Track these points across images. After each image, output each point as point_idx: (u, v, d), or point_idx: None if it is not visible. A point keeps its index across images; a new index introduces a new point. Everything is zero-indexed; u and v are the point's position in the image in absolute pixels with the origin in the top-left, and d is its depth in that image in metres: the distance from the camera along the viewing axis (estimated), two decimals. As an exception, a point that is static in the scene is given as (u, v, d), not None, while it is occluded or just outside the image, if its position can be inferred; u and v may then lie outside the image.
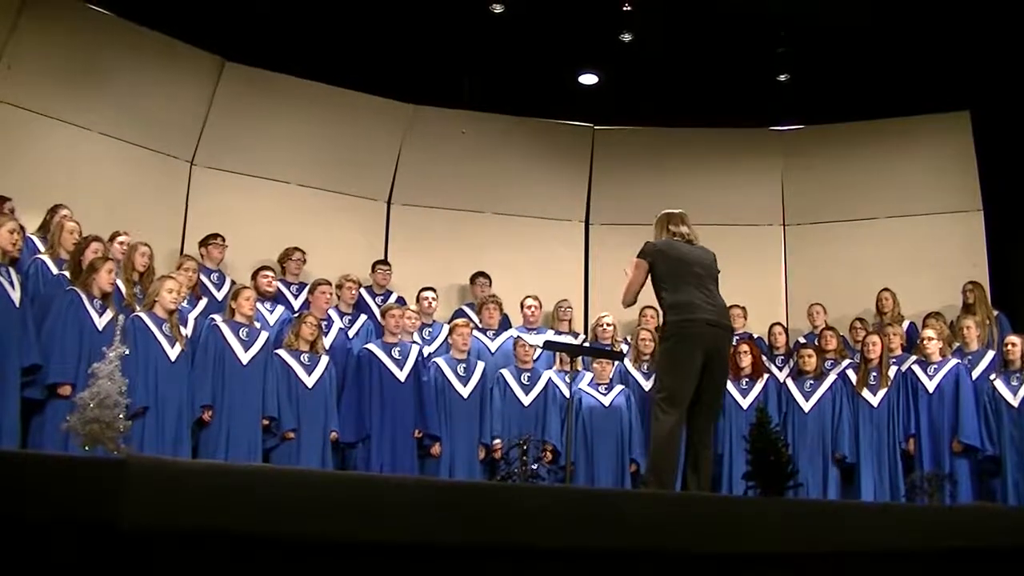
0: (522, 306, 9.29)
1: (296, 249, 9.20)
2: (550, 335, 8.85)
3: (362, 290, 9.24)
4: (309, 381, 7.76)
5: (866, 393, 8.38)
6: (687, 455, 5.56)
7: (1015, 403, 7.92)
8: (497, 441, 8.25)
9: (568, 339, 8.86)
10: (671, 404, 5.38)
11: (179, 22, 9.18)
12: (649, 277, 5.67)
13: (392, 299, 9.25)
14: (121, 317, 6.33)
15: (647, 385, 8.35)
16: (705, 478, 5.46)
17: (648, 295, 5.78)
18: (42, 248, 7.41)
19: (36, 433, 6.49)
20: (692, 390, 5.45)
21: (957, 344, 8.67)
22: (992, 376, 8.13)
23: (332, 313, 8.66)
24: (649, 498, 3.73)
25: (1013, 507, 7.39)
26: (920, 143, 10.35)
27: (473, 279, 9.87)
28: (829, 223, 10.58)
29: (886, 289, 9.34)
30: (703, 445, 5.47)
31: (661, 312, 5.78)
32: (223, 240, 8.84)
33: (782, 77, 10.07)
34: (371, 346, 8.27)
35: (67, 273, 7.06)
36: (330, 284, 8.64)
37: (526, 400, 8.43)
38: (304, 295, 8.86)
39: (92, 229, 7.45)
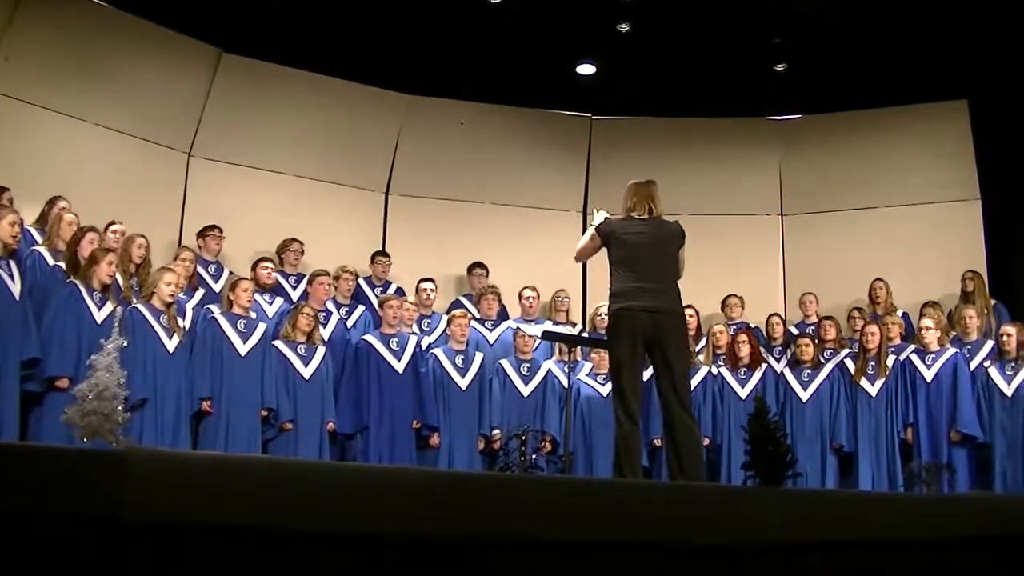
0: (520, 297, 9.29)
1: (294, 240, 9.18)
2: (548, 325, 8.85)
3: (361, 281, 9.23)
4: (306, 372, 7.77)
5: (864, 383, 8.38)
6: (664, 438, 5.57)
7: (1008, 392, 7.95)
8: (496, 432, 8.26)
9: (566, 329, 8.85)
10: (620, 401, 5.42)
11: (176, 13, 9.14)
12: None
13: (391, 290, 9.25)
14: (119, 309, 6.35)
15: (645, 375, 8.36)
16: (686, 456, 5.33)
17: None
18: (40, 240, 7.40)
19: (35, 427, 6.50)
20: (636, 378, 5.50)
21: (954, 333, 8.68)
22: (987, 363, 8.16)
23: (330, 304, 8.65)
24: (648, 489, 3.74)
25: (1008, 496, 7.40)
26: (918, 132, 10.33)
27: (470, 270, 9.86)
28: (827, 213, 10.57)
29: (879, 279, 9.34)
30: (676, 424, 5.38)
31: None
32: (220, 231, 8.83)
33: (779, 67, 10.04)
34: (369, 337, 8.27)
35: (63, 264, 7.05)
36: (328, 275, 8.63)
37: (526, 391, 8.44)
38: (302, 286, 8.86)
39: (89, 220, 7.45)
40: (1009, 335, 8.09)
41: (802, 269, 10.47)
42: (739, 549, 3.01)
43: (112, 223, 7.84)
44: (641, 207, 5.72)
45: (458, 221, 10.50)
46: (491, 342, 9.02)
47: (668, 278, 5.60)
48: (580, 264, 10.58)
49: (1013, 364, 8.03)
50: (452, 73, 10.38)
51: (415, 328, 8.70)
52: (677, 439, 5.38)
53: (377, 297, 9.01)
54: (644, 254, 5.57)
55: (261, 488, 2.32)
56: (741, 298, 9.58)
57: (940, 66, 9.63)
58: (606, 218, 5.78)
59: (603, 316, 8.90)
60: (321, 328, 8.14)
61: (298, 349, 7.81)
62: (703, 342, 9.11)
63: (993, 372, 8.06)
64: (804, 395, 8.46)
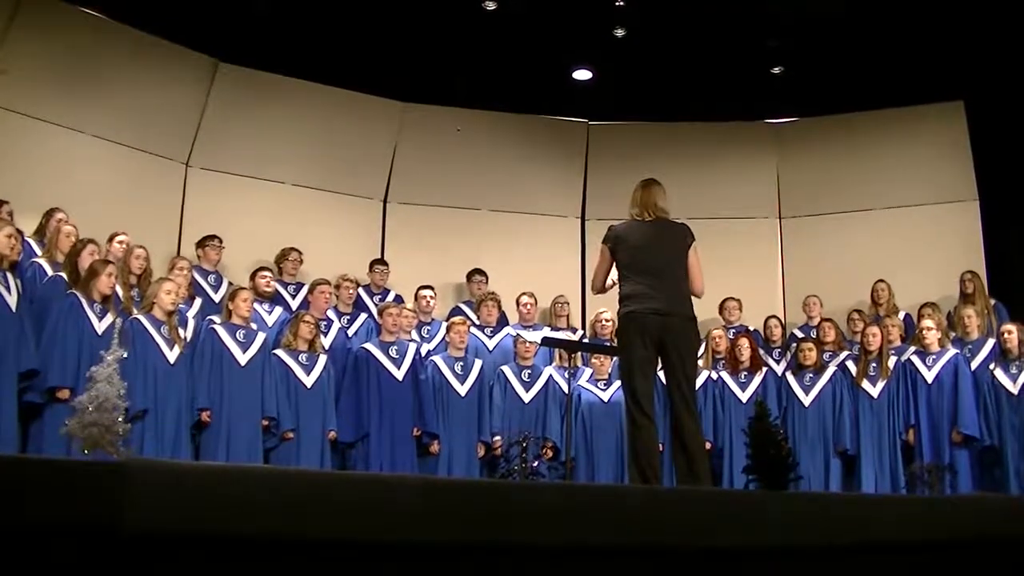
0: (518, 303, 9.28)
1: (293, 249, 9.18)
2: (547, 332, 8.84)
3: (360, 289, 9.24)
4: (308, 381, 7.76)
5: (866, 384, 8.37)
6: (672, 442, 5.54)
7: (1015, 391, 7.94)
8: (497, 438, 8.25)
9: (566, 335, 8.85)
10: (634, 401, 5.38)
11: (172, 24, 9.15)
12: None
13: (390, 298, 9.25)
14: (119, 320, 6.34)
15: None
16: (697, 461, 5.36)
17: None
18: (39, 251, 7.40)
19: (36, 438, 6.50)
20: (649, 381, 5.46)
21: (954, 334, 8.68)
22: (992, 365, 8.15)
23: (331, 313, 8.65)
24: (650, 493, 3.74)
25: (1012, 496, 7.39)
26: (915, 133, 10.34)
27: (469, 276, 9.85)
28: (825, 215, 10.57)
29: (881, 280, 9.35)
30: (685, 429, 5.38)
31: None
32: (220, 241, 8.82)
33: (776, 70, 10.06)
34: (368, 345, 8.26)
35: (63, 274, 7.05)
36: (329, 284, 8.64)
37: (527, 397, 8.44)
38: (302, 295, 8.86)
39: (88, 232, 7.45)
40: (1010, 332, 8.09)
41: (801, 271, 10.47)
42: (740, 553, 3.01)
43: (116, 234, 7.86)
44: (644, 210, 5.70)
45: (456, 228, 10.50)
46: (491, 349, 9.02)
47: (676, 281, 5.55)
48: (580, 270, 10.61)
49: (1017, 362, 8.02)
50: (449, 80, 10.40)
51: (415, 335, 8.70)
52: (687, 444, 5.38)
53: (376, 305, 9.02)
54: (649, 256, 5.54)
55: (262, 498, 2.32)
56: (739, 301, 9.57)
57: (936, 67, 9.64)
58: (610, 227, 5.75)
59: (604, 322, 8.91)
60: (322, 336, 8.14)
61: (300, 358, 7.80)
62: (702, 346, 9.09)
63: (998, 373, 8.05)
64: (807, 399, 8.44)
